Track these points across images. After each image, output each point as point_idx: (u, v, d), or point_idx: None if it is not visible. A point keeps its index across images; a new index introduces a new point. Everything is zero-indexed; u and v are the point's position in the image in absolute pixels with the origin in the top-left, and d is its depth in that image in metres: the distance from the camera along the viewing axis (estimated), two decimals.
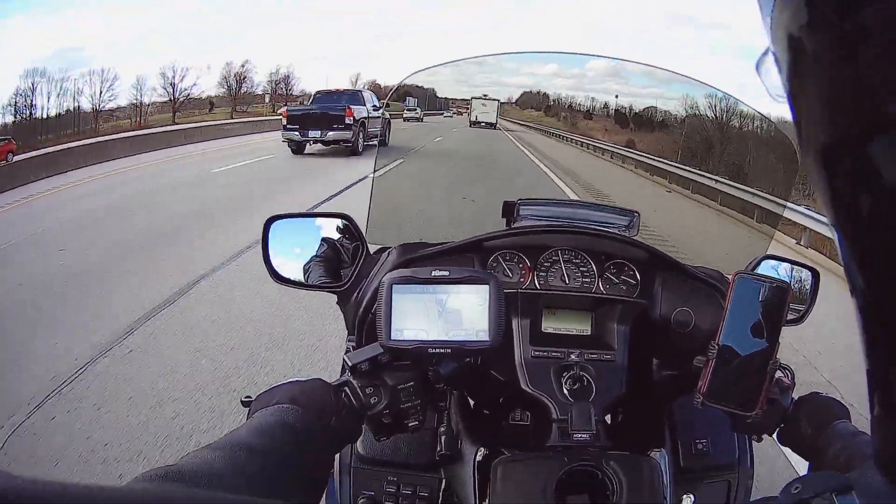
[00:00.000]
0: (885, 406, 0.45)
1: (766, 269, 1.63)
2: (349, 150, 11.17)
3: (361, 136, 12.49)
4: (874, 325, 0.43)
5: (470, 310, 1.20)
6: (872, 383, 0.45)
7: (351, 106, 13.25)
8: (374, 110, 14.59)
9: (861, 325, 0.44)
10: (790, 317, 1.52)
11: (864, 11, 0.35)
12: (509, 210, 1.73)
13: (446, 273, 1.21)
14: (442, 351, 1.18)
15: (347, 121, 12.30)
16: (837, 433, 1.14)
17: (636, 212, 1.80)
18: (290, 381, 1.10)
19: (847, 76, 0.37)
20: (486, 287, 1.21)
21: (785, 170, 2.39)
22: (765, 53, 0.47)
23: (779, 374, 1.21)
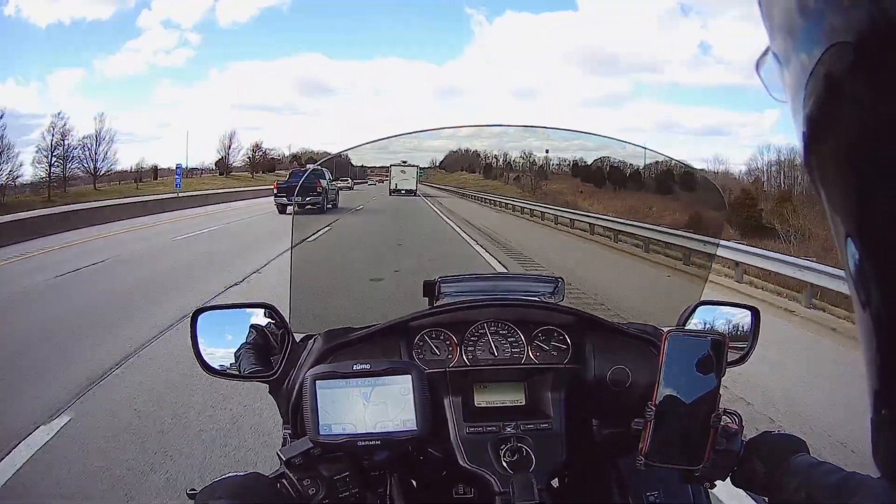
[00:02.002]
0: (885, 407, 0.45)
1: (701, 315, 1.63)
2: (318, 210, 14.37)
3: (325, 200, 15.50)
4: (876, 326, 0.42)
5: (395, 400, 1.23)
6: (873, 384, 0.44)
7: (319, 180, 16.63)
8: (329, 182, 17.98)
9: (862, 326, 0.43)
10: (732, 358, 1.52)
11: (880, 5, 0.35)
12: (430, 289, 1.71)
13: (367, 366, 1.24)
14: (372, 443, 1.20)
15: (318, 190, 15.27)
16: (796, 467, 1.13)
17: (560, 278, 1.80)
18: (230, 476, 1.10)
19: (863, 75, 0.37)
20: (409, 377, 1.24)
21: (714, 215, 2.45)
22: (765, 53, 0.48)
23: (725, 419, 1.21)
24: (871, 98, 0.37)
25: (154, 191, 47.26)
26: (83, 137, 49.56)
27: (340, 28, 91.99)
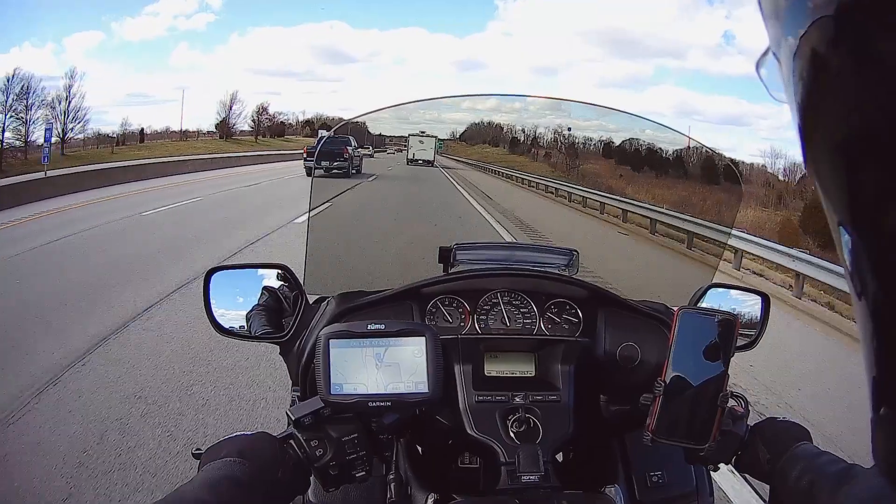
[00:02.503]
0: (885, 406, 0.44)
1: (712, 297, 1.63)
2: (344, 174, 13.56)
3: (350, 166, 14.99)
4: (878, 324, 0.42)
5: (408, 362, 1.22)
6: (873, 383, 0.44)
7: (346, 147, 15.05)
8: (354, 150, 17.34)
9: (863, 325, 0.43)
10: (741, 343, 1.50)
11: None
12: (445, 255, 1.72)
13: (382, 326, 1.22)
14: (382, 404, 1.19)
15: (345, 156, 14.53)
16: (799, 455, 1.13)
17: (575, 250, 1.79)
18: (237, 435, 1.10)
19: (867, 72, 0.37)
20: (423, 339, 1.22)
21: (730, 198, 2.44)
22: (765, 53, 0.48)
23: (732, 402, 1.21)
24: (857, 73, 0.37)
25: (134, 155, 43.34)
26: (54, 98, 44.62)
27: None
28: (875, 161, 0.38)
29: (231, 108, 63.63)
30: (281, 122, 73.00)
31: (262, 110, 68.56)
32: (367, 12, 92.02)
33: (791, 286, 10.73)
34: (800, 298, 10.24)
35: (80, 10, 66.33)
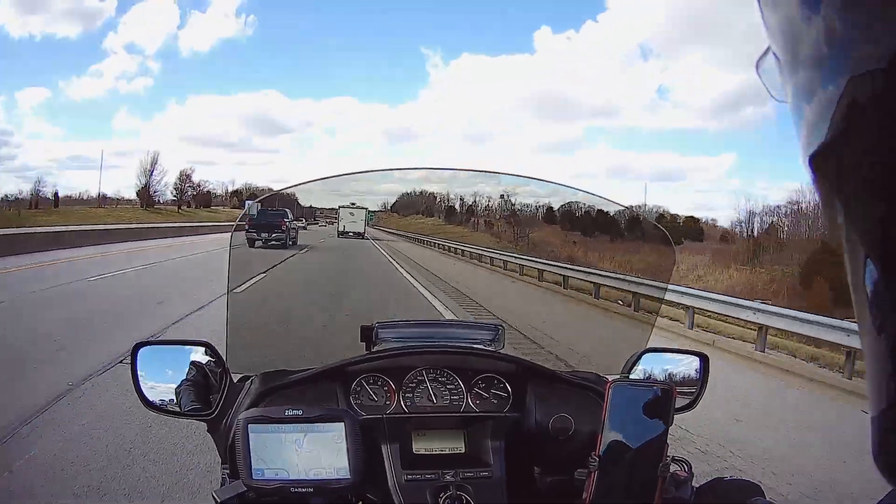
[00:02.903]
0: (885, 406, 0.44)
1: (648, 361, 1.62)
2: (282, 245, 15.64)
3: (287, 237, 16.94)
4: (876, 324, 0.42)
5: (328, 448, 1.21)
6: (873, 383, 0.44)
7: (283, 219, 18.35)
8: (290, 221, 19.50)
9: (862, 324, 0.43)
10: (680, 404, 1.51)
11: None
12: (367, 334, 1.69)
13: (300, 412, 1.22)
14: (305, 490, 1.18)
15: (283, 228, 16.87)
16: None
17: (501, 325, 1.79)
18: None
19: (872, 73, 0.37)
20: (342, 424, 1.23)
21: (664, 258, 2.48)
22: (765, 53, 0.48)
23: (674, 467, 1.22)
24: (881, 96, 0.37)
25: (43, 221, 42.81)
26: None
27: (297, 65, 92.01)
28: (880, 161, 0.39)
29: (152, 173, 62.13)
30: (207, 191, 72.26)
31: (185, 178, 67.35)
32: (300, 82, 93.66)
33: (754, 340, 10.79)
34: (763, 351, 10.30)
35: (31, 64, 66.41)
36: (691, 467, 1.27)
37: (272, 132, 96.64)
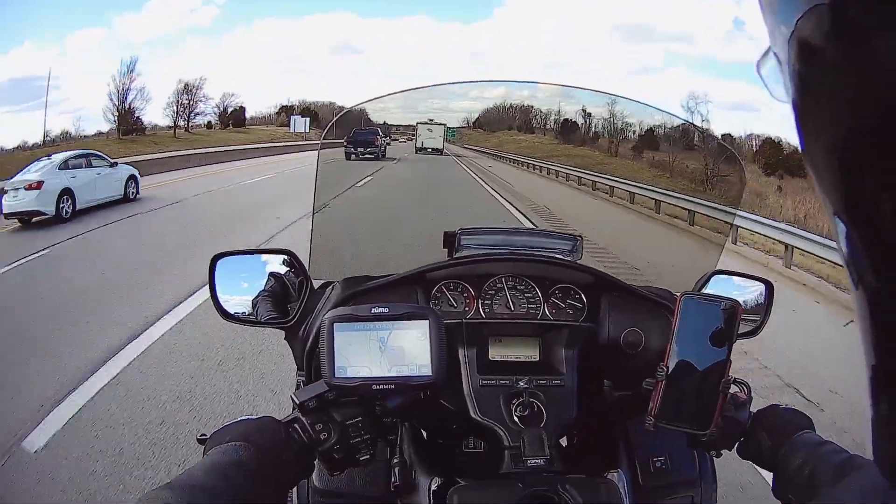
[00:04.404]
0: (885, 405, 0.45)
1: (716, 284, 1.63)
2: (375, 157, 16.42)
3: (379, 151, 17.22)
4: (878, 323, 0.43)
5: (411, 345, 1.22)
6: (873, 382, 0.45)
7: (376, 136, 17.98)
8: (382, 138, 19.13)
9: (863, 323, 0.43)
10: (744, 329, 1.53)
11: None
12: (450, 240, 1.74)
13: (385, 310, 1.22)
14: (386, 387, 1.19)
15: (376, 143, 17.11)
16: (800, 444, 1.14)
17: (579, 236, 1.81)
18: (243, 419, 1.11)
19: (863, 70, 0.37)
20: (426, 322, 1.22)
21: (733, 182, 2.43)
22: (765, 53, 0.48)
23: (734, 389, 1.22)
24: (849, 65, 0.37)
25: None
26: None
27: None
28: (869, 154, 0.39)
29: (126, 94, 46.57)
30: (239, 107, 59.25)
31: (189, 89, 51.96)
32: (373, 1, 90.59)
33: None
34: (789, 267, 11.11)
35: (81, 7, 64.97)
36: (750, 390, 1.27)
37: (343, 54, 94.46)
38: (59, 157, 16.46)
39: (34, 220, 14.50)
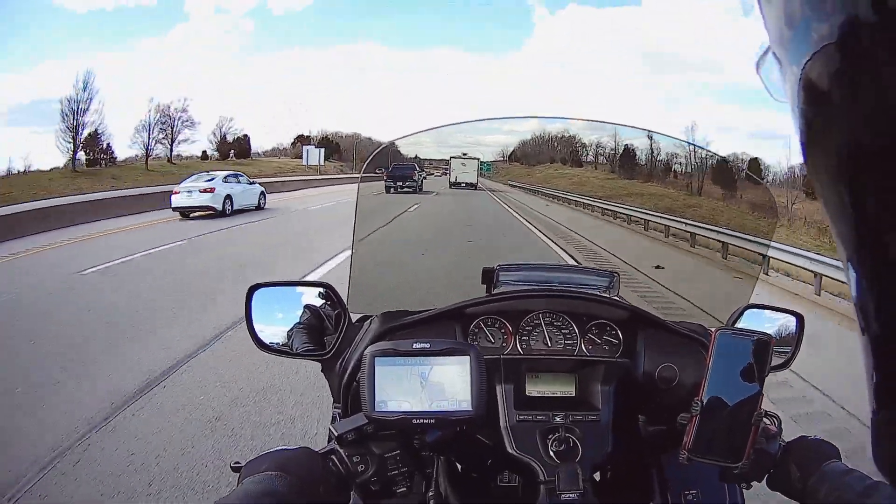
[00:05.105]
0: (885, 407, 0.45)
1: (749, 318, 1.64)
2: (413, 191, 15.94)
3: (416, 186, 16.67)
4: (875, 324, 0.43)
5: (452, 380, 1.23)
6: (873, 384, 0.44)
7: (414, 171, 17.44)
8: (419, 172, 18.67)
9: (862, 326, 0.43)
10: (776, 362, 1.53)
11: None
12: (489, 276, 1.75)
13: (427, 345, 1.24)
14: (426, 421, 1.21)
15: (414, 178, 16.67)
16: (828, 474, 1.15)
17: (616, 272, 1.82)
18: (279, 449, 1.11)
19: (848, 77, 0.38)
20: (467, 358, 1.24)
21: (767, 218, 2.44)
22: (765, 53, 0.48)
23: (765, 421, 1.22)
24: (855, 101, 0.38)
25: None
26: None
27: (397, 17, 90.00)
28: (879, 194, 0.39)
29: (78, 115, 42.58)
30: (243, 135, 55.65)
31: (163, 112, 48.19)
32: (401, 34, 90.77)
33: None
34: (818, 294, 11.10)
35: (104, 32, 64.53)
36: (780, 423, 1.28)
37: (371, 85, 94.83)
38: (220, 174, 24.47)
39: (192, 214, 21.96)
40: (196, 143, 53.00)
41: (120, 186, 35.33)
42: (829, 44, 0.38)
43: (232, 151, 55.64)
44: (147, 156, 46.83)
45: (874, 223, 0.41)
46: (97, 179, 39.46)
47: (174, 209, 21.90)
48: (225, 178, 23.68)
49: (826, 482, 1.13)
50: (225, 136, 55.71)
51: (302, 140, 60.89)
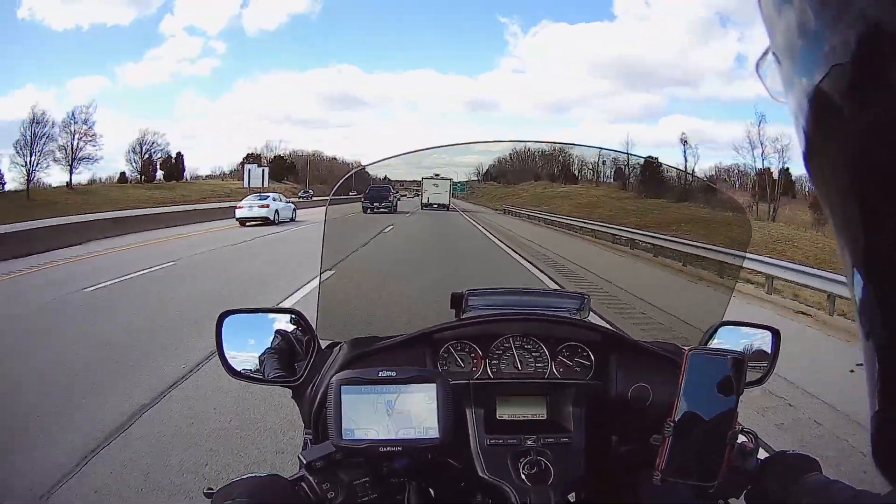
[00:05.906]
0: (885, 406, 0.45)
1: (723, 335, 1.64)
2: (388, 211, 18.58)
3: (391, 206, 19.52)
4: (875, 325, 0.43)
5: (419, 408, 1.24)
6: (872, 384, 0.45)
7: (389, 192, 20.47)
8: (394, 193, 20.94)
9: (862, 326, 0.44)
10: (751, 378, 1.54)
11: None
12: (458, 301, 1.74)
13: (393, 373, 1.25)
14: (393, 449, 1.21)
15: (389, 199, 19.44)
16: (809, 486, 1.15)
17: (586, 294, 1.82)
18: (249, 477, 1.11)
19: (862, 94, 0.38)
20: (434, 385, 1.25)
21: (739, 232, 2.45)
22: (765, 53, 0.49)
23: (742, 438, 1.23)
24: (868, 115, 0.38)
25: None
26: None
27: (372, 39, 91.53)
28: (885, 203, 0.39)
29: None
30: (177, 153, 50.94)
31: (42, 123, 42.77)
32: (377, 56, 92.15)
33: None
34: (831, 315, 10.69)
35: (81, 53, 64.64)
36: (757, 439, 1.27)
37: (350, 106, 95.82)
38: (272, 194, 33.90)
39: (247, 224, 29.69)
40: (99, 161, 48.01)
41: None
42: (838, 58, 0.38)
43: (159, 172, 50.75)
44: (28, 181, 40.13)
45: (880, 231, 0.41)
46: None
47: (237, 219, 30.29)
48: (273, 198, 32.70)
49: (807, 495, 1.13)
50: (149, 153, 50.99)
51: (248, 159, 57.84)
